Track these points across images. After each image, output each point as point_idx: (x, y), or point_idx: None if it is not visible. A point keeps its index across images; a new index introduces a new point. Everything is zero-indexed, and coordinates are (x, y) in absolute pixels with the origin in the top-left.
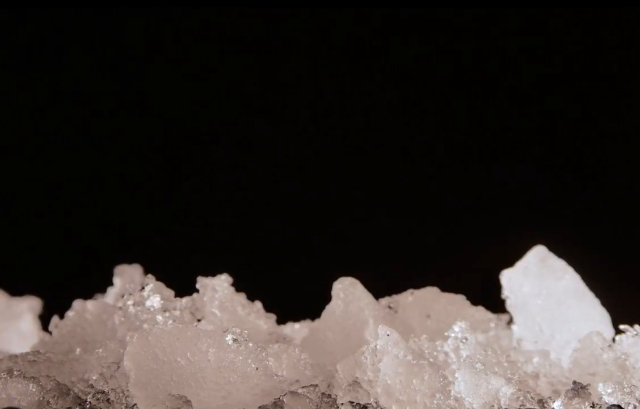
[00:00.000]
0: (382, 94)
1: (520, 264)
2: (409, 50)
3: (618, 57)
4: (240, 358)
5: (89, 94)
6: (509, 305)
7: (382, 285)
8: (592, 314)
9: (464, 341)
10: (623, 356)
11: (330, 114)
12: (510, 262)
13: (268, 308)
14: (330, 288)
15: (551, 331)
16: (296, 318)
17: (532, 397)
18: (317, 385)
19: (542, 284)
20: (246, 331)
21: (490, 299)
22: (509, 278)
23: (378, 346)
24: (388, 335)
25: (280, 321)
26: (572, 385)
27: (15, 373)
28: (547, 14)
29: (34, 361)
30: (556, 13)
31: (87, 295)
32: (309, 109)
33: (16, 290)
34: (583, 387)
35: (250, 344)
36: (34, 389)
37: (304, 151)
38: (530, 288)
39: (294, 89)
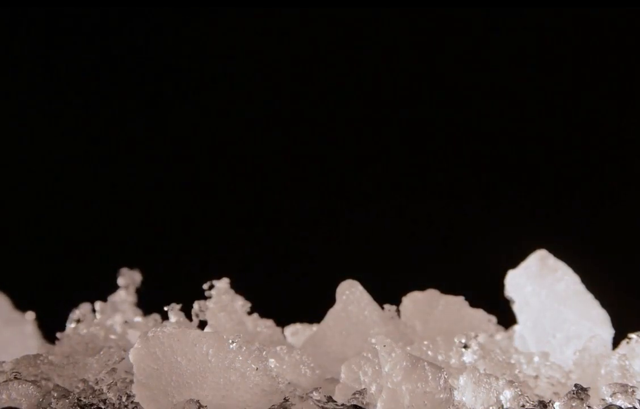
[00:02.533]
0: (384, 97)
1: (522, 266)
2: (414, 52)
3: (619, 63)
4: (240, 358)
5: (88, 98)
6: (511, 305)
7: (383, 287)
8: (592, 314)
9: (465, 343)
10: (624, 358)
11: (331, 117)
12: (510, 266)
13: (270, 311)
14: (331, 291)
15: (552, 330)
16: (298, 321)
17: (532, 399)
18: (320, 387)
19: (543, 285)
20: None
21: (491, 301)
22: (511, 279)
23: (379, 355)
24: (384, 346)
25: (283, 323)
26: (573, 387)
27: (17, 375)
28: (540, 14)
29: (36, 363)
30: (549, 13)
31: (90, 298)
32: (310, 113)
33: (19, 294)
34: (584, 389)
35: (251, 346)
36: (35, 392)
37: (306, 153)
38: (532, 288)
39: (294, 92)
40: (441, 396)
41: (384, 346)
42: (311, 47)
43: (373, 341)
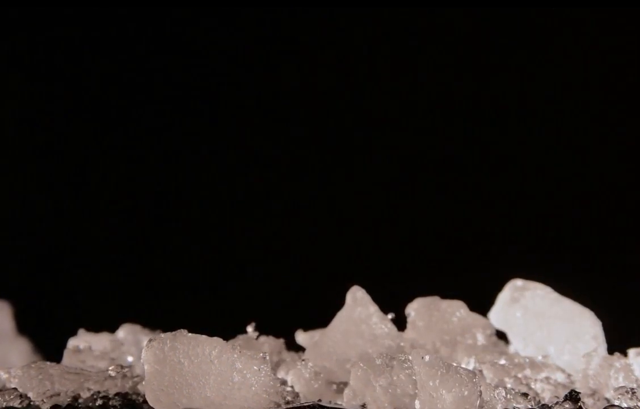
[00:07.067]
0: (386, 106)
1: (497, 302)
2: (418, 60)
3: (611, 91)
4: (243, 359)
5: (83, 103)
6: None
7: (386, 293)
8: (574, 314)
9: (468, 347)
10: (625, 360)
11: (333, 123)
12: (511, 268)
13: (275, 316)
14: (334, 296)
15: (545, 344)
16: (303, 326)
17: (532, 401)
18: (319, 398)
19: (518, 308)
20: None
21: (491, 304)
22: (492, 318)
23: (414, 363)
24: (422, 358)
25: (287, 328)
26: (570, 390)
27: (23, 380)
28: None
29: (41, 369)
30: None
31: (93, 301)
32: (316, 114)
33: (23, 300)
34: (577, 393)
35: (253, 349)
36: (41, 397)
37: (312, 158)
38: (510, 316)
39: (297, 94)
40: (475, 396)
41: (422, 356)
42: (310, 48)
43: (413, 354)
